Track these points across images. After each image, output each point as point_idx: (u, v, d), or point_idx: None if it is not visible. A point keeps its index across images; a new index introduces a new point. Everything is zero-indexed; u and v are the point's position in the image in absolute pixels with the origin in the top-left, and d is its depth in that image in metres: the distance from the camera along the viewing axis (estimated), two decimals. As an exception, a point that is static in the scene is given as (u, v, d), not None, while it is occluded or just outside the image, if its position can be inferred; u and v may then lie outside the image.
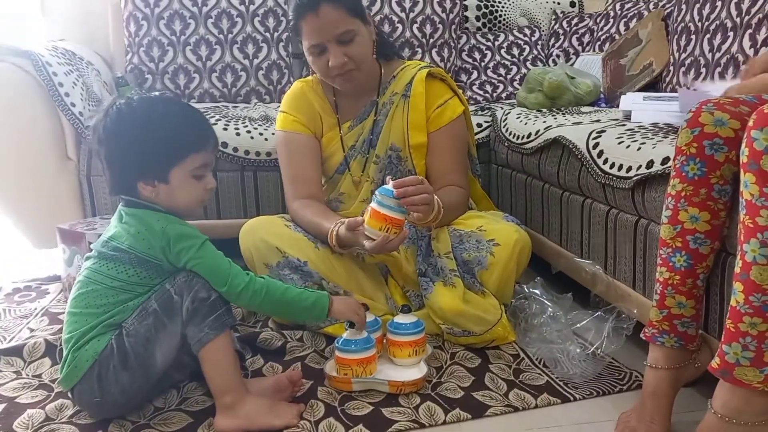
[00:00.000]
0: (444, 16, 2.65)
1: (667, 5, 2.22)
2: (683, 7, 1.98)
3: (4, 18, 2.69)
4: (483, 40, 2.77)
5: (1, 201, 2.03)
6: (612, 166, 1.42)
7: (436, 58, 2.64)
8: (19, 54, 1.97)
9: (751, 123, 0.94)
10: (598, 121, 1.73)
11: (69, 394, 1.24)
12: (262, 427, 1.17)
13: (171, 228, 1.19)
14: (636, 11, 2.44)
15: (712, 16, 1.82)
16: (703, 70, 1.84)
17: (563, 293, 1.49)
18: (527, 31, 2.80)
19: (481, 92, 2.66)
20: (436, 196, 1.44)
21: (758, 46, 1.64)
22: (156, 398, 1.29)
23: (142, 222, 1.21)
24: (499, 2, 2.89)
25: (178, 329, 1.19)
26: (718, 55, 1.78)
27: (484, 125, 2.19)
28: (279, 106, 1.75)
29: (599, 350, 1.34)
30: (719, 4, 1.80)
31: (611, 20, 2.55)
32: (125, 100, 1.21)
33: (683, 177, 1.10)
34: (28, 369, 1.44)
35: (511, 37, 2.78)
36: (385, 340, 1.40)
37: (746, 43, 1.67)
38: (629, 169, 1.36)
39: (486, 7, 2.87)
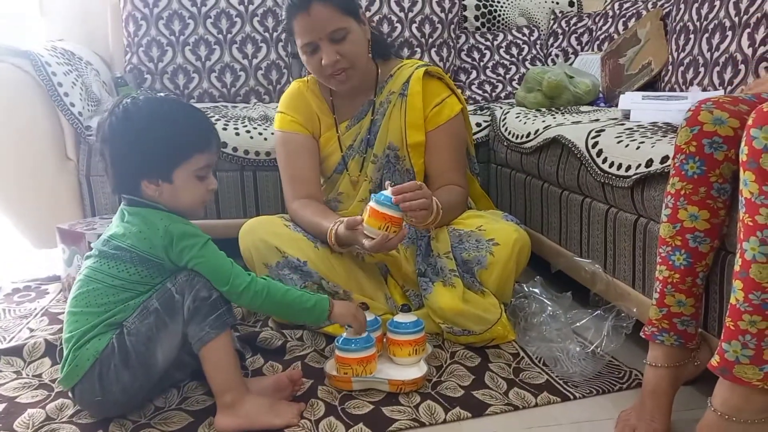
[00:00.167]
0: (443, 15, 2.66)
1: (666, 5, 2.23)
2: (682, 6, 1.98)
3: (3, 18, 2.68)
4: (482, 40, 2.78)
5: (0, 201, 2.02)
6: (611, 165, 1.43)
7: (435, 58, 2.64)
8: (19, 54, 1.97)
9: (750, 121, 0.95)
10: (597, 120, 1.73)
11: (69, 394, 1.24)
12: (263, 427, 1.17)
13: (174, 227, 1.19)
14: (635, 11, 2.44)
15: (711, 16, 1.83)
16: (702, 69, 1.84)
17: (563, 292, 1.49)
18: (526, 31, 2.80)
19: (480, 92, 2.66)
20: (435, 198, 1.44)
21: (756, 45, 1.64)
22: (156, 397, 1.29)
23: (144, 221, 1.21)
24: (498, 2, 2.89)
25: (179, 328, 1.19)
26: (716, 54, 1.78)
27: (483, 125, 2.19)
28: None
29: (599, 349, 1.34)
30: (717, 3, 1.81)
31: (610, 20, 2.56)
32: (131, 100, 1.22)
33: (683, 175, 1.10)
34: (28, 369, 1.44)
35: (510, 37, 2.78)
36: (384, 340, 1.40)
37: (744, 42, 1.67)
38: (628, 168, 1.36)
39: (485, 6, 2.88)
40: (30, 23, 2.70)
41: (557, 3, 2.93)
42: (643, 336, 1.17)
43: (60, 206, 2.07)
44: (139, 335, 1.18)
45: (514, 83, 2.67)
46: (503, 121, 2.07)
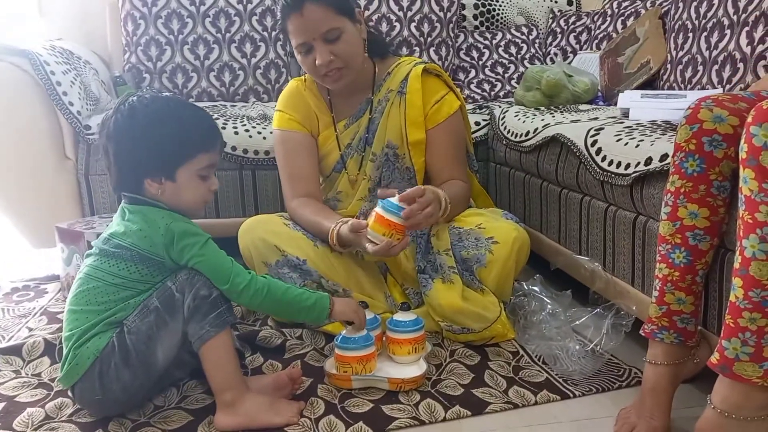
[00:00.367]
0: (441, 14, 2.66)
1: (665, 3, 2.23)
2: (680, 5, 1.99)
3: (2, 18, 2.68)
4: (481, 39, 2.78)
5: (-1, 200, 2.03)
6: (610, 163, 1.43)
7: (434, 57, 2.65)
8: (17, 53, 1.97)
9: (749, 119, 0.95)
10: (596, 118, 1.73)
11: (69, 392, 1.24)
12: (263, 425, 1.17)
13: (175, 225, 1.19)
14: (633, 9, 2.44)
15: (709, 14, 1.83)
16: (701, 68, 1.84)
17: (562, 290, 1.49)
18: (525, 30, 2.80)
19: (479, 91, 2.66)
20: (441, 192, 1.44)
21: (755, 43, 1.64)
22: (156, 396, 1.29)
23: (145, 219, 1.21)
24: (497, 1, 2.89)
25: (179, 327, 1.19)
26: (715, 52, 1.78)
27: (482, 123, 2.19)
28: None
29: (598, 347, 1.34)
30: (716, 2, 1.81)
31: (608, 18, 2.56)
32: (138, 97, 1.22)
33: (682, 173, 1.10)
34: (28, 368, 1.44)
35: (508, 36, 2.78)
36: (384, 338, 1.40)
37: (743, 40, 1.68)
38: (627, 166, 1.36)
39: (483, 5, 2.88)
40: (29, 23, 2.70)
41: (556, 2, 2.93)
42: (643, 334, 1.17)
43: (59, 205, 2.06)
44: (139, 334, 1.18)
45: (512, 82, 2.67)
46: (502, 119, 2.07)
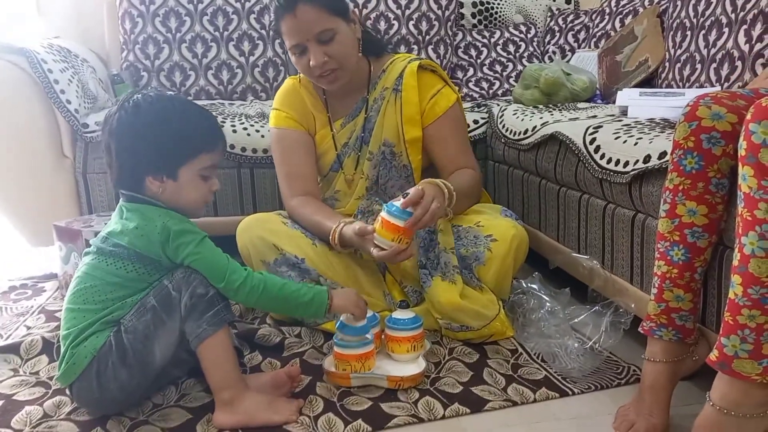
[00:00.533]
0: (440, 12, 2.65)
1: (663, 2, 2.23)
2: (678, 3, 1.99)
3: (2, 18, 2.67)
4: (479, 37, 2.77)
5: (-3, 199, 2.02)
6: (609, 161, 1.43)
7: (432, 55, 2.64)
8: (14, 51, 1.96)
9: (749, 116, 0.95)
10: (594, 116, 1.73)
11: (67, 391, 1.24)
12: (261, 423, 1.17)
13: (171, 223, 1.19)
14: (631, 8, 2.44)
15: (707, 12, 1.83)
16: (699, 66, 1.84)
17: (561, 288, 1.49)
18: (523, 28, 2.80)
19: (477, 89, 2.66)
20: (441, 183, 1.43)
21: (753, 41, 1.64)
22: (154, 395, 1.28)
23: (143, 217, 1.21)
24: (495, -1, 2.89)
25: (177, 325, 1.18)
26: (713, 51, 1.78)
27: (481, 122, 2.19)
28: (273, 103, 1.75)
29: (597, 345, 1.34)
30: (714, 0, 1.81)
31: (606, 17, 2.56)
32: (142, 95, 1.22)
33: (681, 171, 1.10)
34: (26, 366, 1.43)
35: (506, 34, 2.78)
36: (383, 336, 1.40)
37: (741, 39, 1.68)
38: (626, 163, 1.36)
39: (481, 4, 2.87)
40: (28, 23, 2.69)
41: (554, 0, 2.93)
42: (642, 331, 1.17)
43: (57, 204, 2.06)
44: (136, 333, 1.17)
45: (511, 80, 2.67)
46: (500, 118, 2.07)
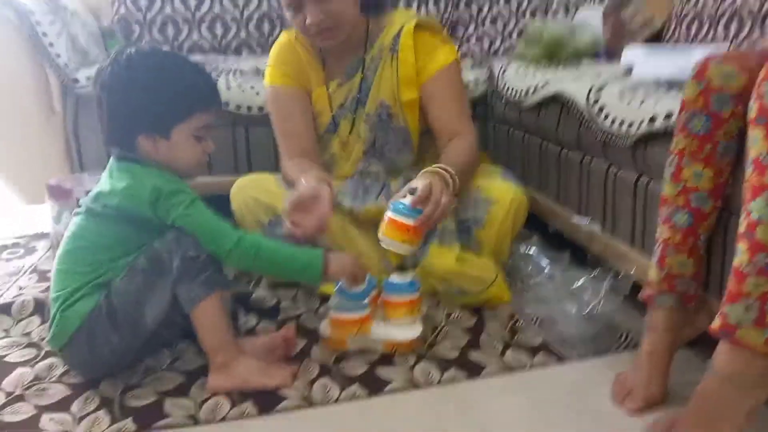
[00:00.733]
0: (441, -34, 2.57)
1: (671, -44, 2.15)
2: (688, -43, 1.92)
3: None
4: (480, -8, 2.68)
5: (-14, 156, 1.98)
6: (613, 122, 1.39)
7: (433, 10, 2.57)
8: (1, 3, 1.90)
9: (762, 75, 0.91)
10: (598, 75, 1.68)
11: (58, 354, 1.22)
12: (256, 387, 1.16)
13: (162, 183, 1.16)
14: (638, -38, 2.36)
15: (718, -33, 1.76)
16: (707, 23, 1.78)
17: (560, 252, 1.47)
18: (526, -17, 2.71)
19: (478, 46, 2.59)
20: (443, 171, 1.35)
21: (764, -1, 1.58)
22: (147, 357, 1.27)
23: (133, 176, 1.17)
24: (498, -48, 2.79)
25: (168, 288, 1.16)
26: (722, 7, 1.72)
27: (481, 80, 2.13)
28: (270, 59, 1.69)
29: (596, 310, 1.32)
30: (725, -46, 1.74)
31: (613, -29, 2.47)
32: (136, 49, 1.18)
33: (687, 132, 1.07)
34: (17, 327, 1.42)
35: (509, -11, 2.69)
36: (379, 300, 1.38)
37: (752, -5, 1.62)
38: (630, 125, 1.32)
39: (484, -43, 2.77)
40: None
41: (559, -46, 2.83)
42: (643, 298, 1.15)
43: (48, 161, 2.02)
44: (127, 296, 1.15)
45: (513, 37, 2.60)
46: (502, 76, 2.02)
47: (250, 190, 1.56)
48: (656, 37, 2.02)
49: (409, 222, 1.23)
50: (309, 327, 1.39)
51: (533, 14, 2.65)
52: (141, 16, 2.46)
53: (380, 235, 1.26)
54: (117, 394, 1.16)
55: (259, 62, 2.22)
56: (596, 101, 1.47)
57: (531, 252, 1.46)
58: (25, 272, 1.76)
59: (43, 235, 2.05)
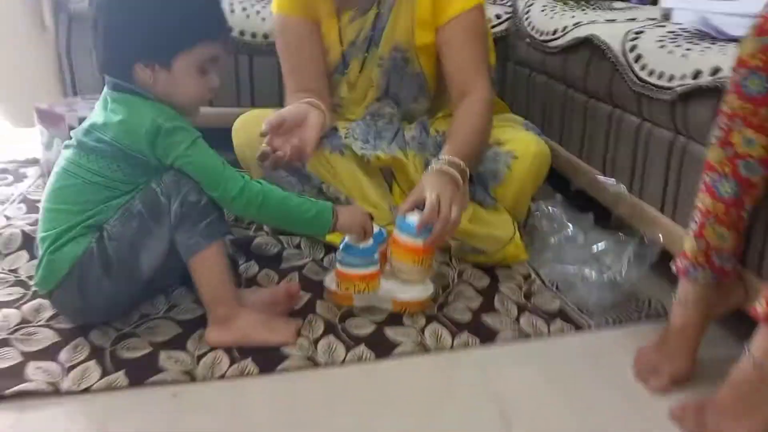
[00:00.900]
0: None
1: None
2: None
3: None
4: None
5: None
6: (651, 73, 1.28)
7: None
8: None
9: None
10: (633, 19, 1.56)
11: (47, 298, 1.14)
12: (257, 343, 1.09)
13: (162, 119, 1.05)
14: None
15: None
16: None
17: (581, 212, 1.38)
18: None
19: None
20: (449, 168, 1.23)
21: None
22: (142, 303, 1.19)
23: (130, 109, 1.07)
24: None
25: (166, 234, 1.07)
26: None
27: (504, 17, 1.99)
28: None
29: (619, 276, 1.25)
30: None
31: None
32: None
33: (741, 93, 0.97)
34: (4, 263, 1.34)
35: None
36: (389, 240, 1.25)
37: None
38: (671, 78, 1.22)
39: None
40: None
41: None
42: (675, 270, 1.07)
43: (38, 82, 1.91)
44: (121, 240, 1.06)
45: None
46: (526, 14, 1.88)
47: (253, 127, 1.44)
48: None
49: (418, 243, 1.16)
50: (313, 279, 1.31)
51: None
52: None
53: (389, 256, 1.21)
54: (108, 343, 1.09)
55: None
56: (632, 49, 1.36)
57: (551, 210, 1.37)
58: (13, 201, 1.67)
59: (33, 161, 1.95)
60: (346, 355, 1.08)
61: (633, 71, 1.33)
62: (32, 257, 1.35)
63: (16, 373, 1.01)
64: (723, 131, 1.00)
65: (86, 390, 0.99)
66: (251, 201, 1.08)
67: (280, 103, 1.66)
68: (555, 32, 1.67)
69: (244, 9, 1.86)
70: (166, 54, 1.06)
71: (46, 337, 1.10)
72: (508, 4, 2.05)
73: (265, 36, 1.85)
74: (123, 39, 1.06)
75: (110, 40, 1.07)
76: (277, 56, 1.54)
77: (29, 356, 1.05)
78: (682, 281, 1.06)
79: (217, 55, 1.10)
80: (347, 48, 1.49)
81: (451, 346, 1.12)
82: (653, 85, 1.26)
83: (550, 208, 1.36)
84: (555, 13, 1.76)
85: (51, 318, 1.15)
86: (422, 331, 1.15)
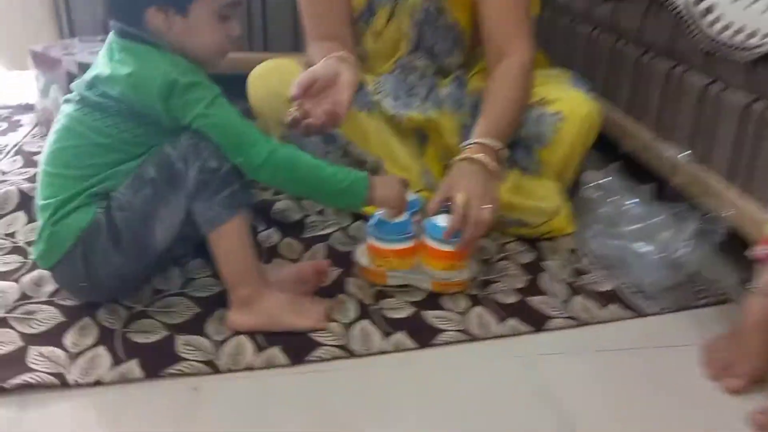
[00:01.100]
0: None
1: None
2: None
3: None
4: None
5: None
6: (725, 28, 1.13)
7: None
8: None
9: None
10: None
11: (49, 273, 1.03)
12: (284, 328, 0.97)
13: (178, 73, 0.92)
14: None
15: None
16: None
17: (632, 179, 1.25)
18: None
19: None
20: (480, 154, 1.10)
21: None
22: (154, 277, 1.08)
23: (140, 61, 0.93)
24: None
25: (183, 203, 0.95)
26: None
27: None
28: None
29: (679, 255, 1.13)
30: None
31: None
32: None
33: None
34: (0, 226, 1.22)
35: None
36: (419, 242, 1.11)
37: None
38: (752, 34, 1.07)
39: None
40: None
41: None
42: (755, 257, 0.95)
43: (32, 22, 1.75)
44: (132, 211, 0.94)
45: None
46: (569, -45, 1.71)
47: (271, 80, 1.31)
48: None
49: (448, 248, 1.06)
50: (340, 250, 1.20)
51: None
52: None
53: (421, 264, 1.10)
54: (119, 325, 0.98)
55: None
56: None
57: (604, 178, 1.24)
58: (8, 153, 1.54)
59: (28, 107, 1.81)
60: (383, 341, 0.97)
61: (702, 25, 1.18)
62: (31, 219, 1.23)
63: (15, 360, 0.90)
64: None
65: (96, 383, 0.88)
66: (279, 169, 0.96)
67: (295, 49, 1.52)
68: (604, -23, 1.51)
69: (258, -57, 1.69)
70: None
71: (49, 317, 0.99)
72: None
73: (281, -26, 1.68)
74: None
75: None
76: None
77: (30, 340, 0.94)
78: (762, 270, 0.95)
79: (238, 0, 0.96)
80: None
81: (500, 335, 1.01)
82: (729, 42, 1.12)
83: (603, 176, 1.23)
84: (604, -46, 1.59)
85: (54, 293, 1.04)
86: (464, 314, 1.04)
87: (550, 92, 1.28)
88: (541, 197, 1.24)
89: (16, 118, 1.76)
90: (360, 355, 0.95)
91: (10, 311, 1.00)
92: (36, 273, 1.08)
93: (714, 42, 1.15)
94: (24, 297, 1.03)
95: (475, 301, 1.08)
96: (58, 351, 0.92)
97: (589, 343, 1.01)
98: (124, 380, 0.88)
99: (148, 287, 1.06)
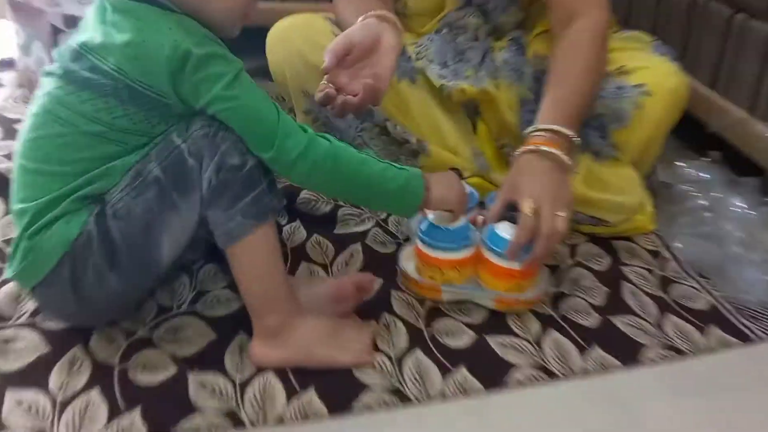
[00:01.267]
0: None
1: None
2: None
3: None
4: None
5: None
6: None
7: None
8: None
9: None
10: None
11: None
12: (321, 365, 0.79)
13: (190, 42, 0.71)
14: None
15: None
16: None
17: (725, 167, 1.06)
18: None
19: None
20: (558, 133, 0.91)
21: None
22: (159, 291, 0.89)
23: (142, 24, 0.72)
24: None
25: (196, 210, 0.75)
26: None
27: None
28: None
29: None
30: None
31: None
32: None
33: None
34: (-28, 215, 1.03)
35: None
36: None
37: None
38: None
39: None
40: None
41: None
42: None
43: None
44: (130, 219, 0.74)
45: None
46: None
47: (295, 40, 1.10)
48: None
49: (513, 267, 0.86)
50: (379, 251, 1.00)
51: None
52: None
53: (478, 281, 0.90)
54: (117, 357, 0.79)
55: None
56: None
57: (687, 166, 1.05)
58: (-16, 121, 1.33)
59: (8, 63, 1.58)
60: (442, 382, 0.79)
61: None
62: (9, 209, 1.02)
63: (-12, 413, 0.72)
64: None
65: (89, 445, 0.70)
66: (318, 165, 0.76)
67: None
68: None
69: None
70: None
71: (30, 346, 0.80)
72: None
73: None
74: None
75: None
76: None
77: (6, 380, 0.76)
78: None
79: None
80: None
81: (585, 370, 0.82)
82: None
83: (700, 167, 1.03)
84: None
85: (36, 313, 0.85)
86: (538, 344, 0.86)
87: (632, 60, 1.06)
88: (619, 189, 1.04)
89: (-6, 77, 1.54)
90: (416, 402, 0.77)
91: (-20, 339, 0.81)
92: (14, 284, 0.89)
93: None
94: (0, 317, 0.84)
95: (548, 321, 0.89)
96: (41, 398, 0.74)
97: (691, 380, 0.83)
98: (125, 440, 0.70)
99: (151, 303, 0.88)
